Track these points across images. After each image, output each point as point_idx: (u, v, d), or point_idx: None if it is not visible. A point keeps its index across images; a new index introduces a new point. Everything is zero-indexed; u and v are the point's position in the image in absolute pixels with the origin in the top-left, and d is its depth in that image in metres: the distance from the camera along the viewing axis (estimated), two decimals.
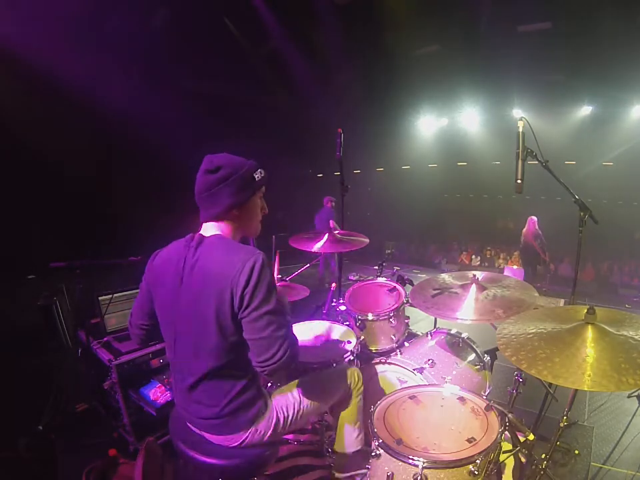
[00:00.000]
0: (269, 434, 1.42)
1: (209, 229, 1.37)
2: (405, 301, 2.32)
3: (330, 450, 2.02)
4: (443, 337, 2.37)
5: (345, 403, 1.73)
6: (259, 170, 1.40)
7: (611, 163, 8.62)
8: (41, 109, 5.74)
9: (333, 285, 2.81)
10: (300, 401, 1.53)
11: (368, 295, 2.54)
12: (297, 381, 1.60)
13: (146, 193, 6.97)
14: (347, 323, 2.39)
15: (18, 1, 5.03)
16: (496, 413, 1.49)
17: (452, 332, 2.38)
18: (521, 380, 1.77)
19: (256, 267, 1.22)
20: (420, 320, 3.74)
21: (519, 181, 1.67)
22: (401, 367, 2.04)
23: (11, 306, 4.03)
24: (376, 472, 1.40)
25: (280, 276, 2.39)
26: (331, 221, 6.25)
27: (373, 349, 2.33)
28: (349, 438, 1.77)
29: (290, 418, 1.48)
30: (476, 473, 1.26)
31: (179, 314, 1.31)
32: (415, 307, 2.03)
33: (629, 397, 2.55)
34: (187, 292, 1.29)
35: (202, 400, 1.34)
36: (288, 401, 1.51)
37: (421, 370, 1.98)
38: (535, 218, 6.97)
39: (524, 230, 7.10)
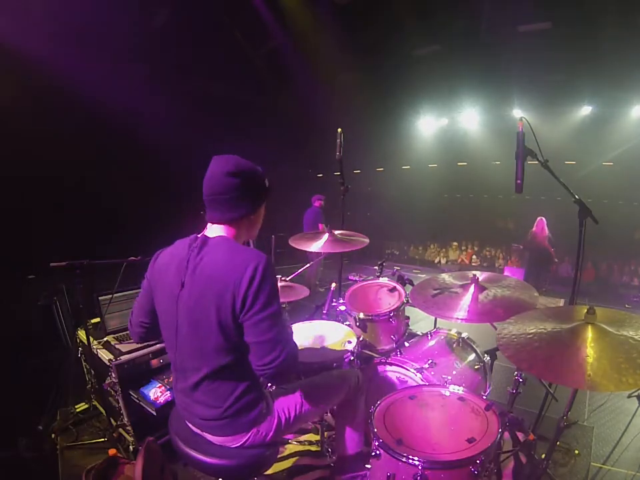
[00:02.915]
0: (270, 435, 1.41)
1: (214, 230, 1.35)
2: (405, 301, 2.32)
3: (330, 450, 2.02)
4: (443, 336, 2.37)
5: (346, 405, 1.73)
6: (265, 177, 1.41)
7: (611, 163, 8.60)
8: (41, 108, 5.74)
9: (333, 284, 2.81)
10: (302, 402, 1.52)
11: (368, 295, 2.54)
12: (299, 382, 1.60)
13: (146, 193, 6.96)
14: (347, 322, 2.39)
15: (20, 2, 5.04)
16: (496, 412, 1.49)
17: (452, 332, 2.38)
18: (521, 380, 1.77)
19: (259, 270, 1.21)
20: (420, 320, 3.75)
21: (518, 181, 1.67)
22: (401, 367, 2.04)
23: (11, 306, 4.03)
24: (376, 472, 1.40)
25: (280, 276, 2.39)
26: (320, 225, 6.02)
27: (373, 349, 2.33)
28: (349, 440, 1.77)
29: (291, 419, 1.48)
30: (476, 473, 1.25)
31: (180, 314, 1.30)
32: (415, 306, 2.03)
33: (629, 396, 2.55)
34: (189, 293, 1.28)
35: (204, 401, 1.33)
36: (290, 402, 1.50)
37: (421, 370, 1.98)
38: (544, 218, 6.83)
39: (533, 230, 6.89)
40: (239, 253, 1.27)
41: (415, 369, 1.98)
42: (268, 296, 1.22)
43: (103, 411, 2.48)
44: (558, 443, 1.75)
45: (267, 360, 1.22)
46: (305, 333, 2.24)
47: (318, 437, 2.20)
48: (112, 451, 1.92)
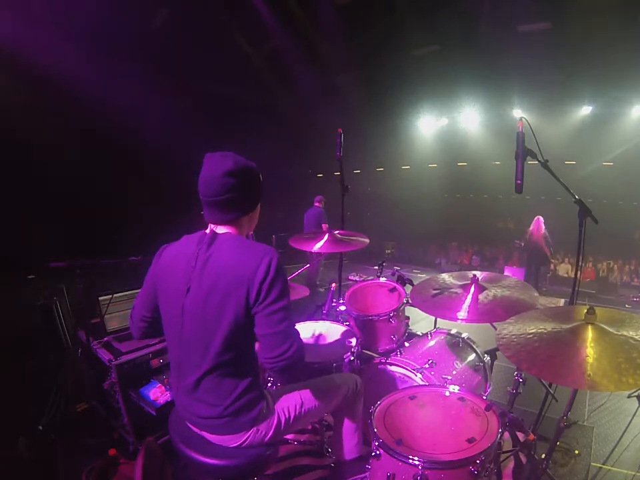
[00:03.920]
0: (269, 434, 1.41)
1: (220, 227, 1.36)
2: (405, 301, 2.32)
3: (330, 450, 2.02)
4: (442, 337, 2.37)
5: (345, 409, 1.73)
6: None
7: (611, 163, 8.61)
8: (42, 107, 5.75)
9: (333, 284, 2.81)
10: (302, 403, 1.52)
11: (368, 295, 2.54)
12: (299, 383, 1.60)
13: (147, 193, 6.98)
14: (347, 323, 2.39)
15: (20, 2, 5.05)
16: (496, 412, 1.49)
17: (452, 332, 2.38)
18: (521, 380, 1.77)
19: (272, 264, 1.24)
20: (420, 320, 3.75)
21: (518, 181, 1.67)
22: (401, 367, 2.04)
23: (11, 306, 4.03)
24: (376, 472, 1.40)
25: None
26: (323, 225, 6.03)
27: (373, 349, 2.33)
28: (347, 445, 1.77)
29: (291, 419, 1.48)
30: (476, 473, 1.25)
31: (187, 310, 1.29)
32: (415, 306, 2.03)
33: (629, 397, 2.55)
34: (198, 288, 1.27)
35: (204, 399, 1.32)
36: (289, 402, 1.50)
37: (421, 370, 1.98)
38: (541, 218, 6.88)
39: (530, 229, 6.92)
40: (251, 248, 1.28)
41: (414, 369, 1.98)
42: (281, 289, 1.24)
43: (103, 411, 2.48)
44: (558, 442, 1.75)
45: (278, 352, 1.24)
46: (305, 333, 2.24)
47: (318, 437, 2.20)
48: (112, 451, 1.92)
